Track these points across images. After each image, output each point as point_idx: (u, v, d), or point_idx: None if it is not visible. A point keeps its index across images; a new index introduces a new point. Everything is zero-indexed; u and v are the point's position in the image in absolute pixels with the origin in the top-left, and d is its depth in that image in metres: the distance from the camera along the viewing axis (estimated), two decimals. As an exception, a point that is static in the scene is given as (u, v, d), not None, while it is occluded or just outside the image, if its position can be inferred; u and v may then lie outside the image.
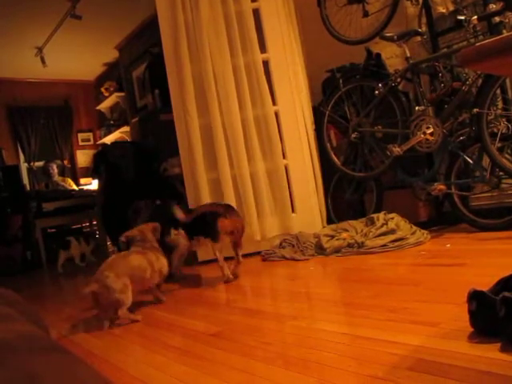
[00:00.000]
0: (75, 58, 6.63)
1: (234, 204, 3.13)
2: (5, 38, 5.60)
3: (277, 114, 3.24)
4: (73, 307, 2.47)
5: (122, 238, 2.24)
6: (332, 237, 2.84)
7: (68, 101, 7.74)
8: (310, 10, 3.56)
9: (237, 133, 3.16)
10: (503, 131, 2.48)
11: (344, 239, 2.74)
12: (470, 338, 1.12)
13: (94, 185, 6.38)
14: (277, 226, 3.19)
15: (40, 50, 6.06)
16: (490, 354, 1.02)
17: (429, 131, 2.67)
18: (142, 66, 5.74)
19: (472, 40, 2.66)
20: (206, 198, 3.13)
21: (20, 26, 5.34)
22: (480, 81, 2.50)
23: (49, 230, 5.48)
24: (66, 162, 7.51)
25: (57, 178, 6.48)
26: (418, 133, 2.70)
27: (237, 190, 3.16)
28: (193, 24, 3.18)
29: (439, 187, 2.69)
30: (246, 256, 3.10)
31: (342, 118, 3.24)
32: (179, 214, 2.58)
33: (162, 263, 2.17)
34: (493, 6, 2.40)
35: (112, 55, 6.78)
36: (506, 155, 2.48)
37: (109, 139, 6.87)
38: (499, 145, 2.45)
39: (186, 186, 3.23)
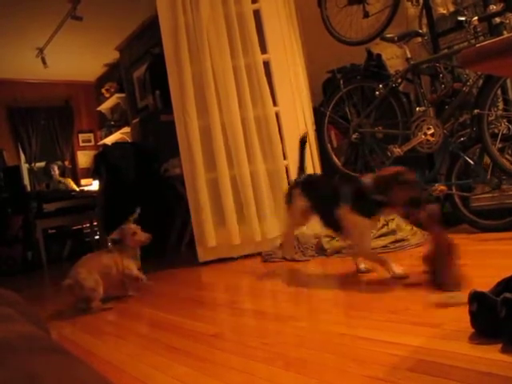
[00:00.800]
0: (76, 58, 6.64)
1: (232, 204, 3.13)
2: (6, 39, 5.61)
3: (277, 115, 3.24)
4: (73, 308, 2.46)
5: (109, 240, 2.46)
6: (332, 238, 2.84)
7: (69, 101, 7.74)
8: (311, 11, 3.56)
9: (237, 133, 3.16)
10: (504, 132, 2.48)
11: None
12: (471, 338, 1.12)
13: (94, 185, 6.38)
14: (277, 227, 3.18)
15: (41, 50, 6.06)
16: (490, 354, 1.02)
17: (429, 132, 2.67)
18: (143, 66, 5.75)
19: (472, 41, 2.66)
20: (205, 199, 3.13)
21: (21, 26, 5.34)
22: (481, 82, 2.50)
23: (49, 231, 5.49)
24: (66, 163, 7.51)
25: (58, 178, 6.50)
26: (419, 133, 2.70)
27: (237, 190, 3.16)
28: (193, 25, 3.19)
29: (440, 188, 2.68)
30: (246, 257, 3.11)
31: (342, 118, 3.23)
32: None
33: (126, 265, 2.34)
34: (493, 7, 2.40)
35: (113, 56, 6.79)
36: (507, 156, 2.48)
37: (109, 140, 6.88)
38: (500, 145, 2.45)
39: (187, 186, 3.23)
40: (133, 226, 2.40)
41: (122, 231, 2.38)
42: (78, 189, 6.60)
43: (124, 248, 2.37)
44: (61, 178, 6.59)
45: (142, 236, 2.39)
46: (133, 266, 2.37)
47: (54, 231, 5.59)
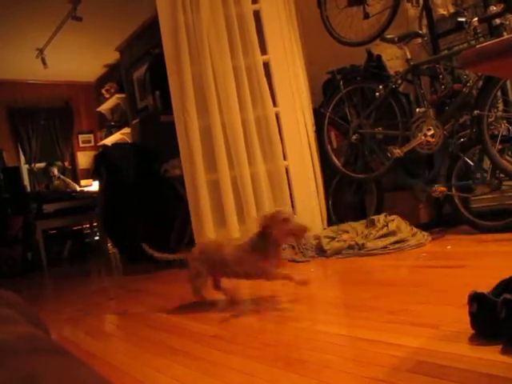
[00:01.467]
0: (76, 59, 6.64)
1: (233, 205, 3.13)
2: (6, 39, 5.61)
3: (277, 116, 3.25)
4: (73, 309, 2.46)
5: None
6: (332, 238, 2.84)
7: (69, 102, 7.74)
8: (311, 12, 3.57)
9: (237, 134, 3.16)
10: (504, 133, 2.48)
11: (344, 241, 2.74)
12: (471, 340, 1.12)
13: (94, 186, 6.39)
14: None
15: (41, 51, 6.07)
16: (490, 356, 1.01)
17: (429, 133, 2.67)
18: (143, 67, 5.75)
19: (472, 42, 2.66)
20: (205, 200, 3.13)
21: (21, 27, 5.35)
22: (480, 83, 2.50)
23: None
24: (66, 164, 7.52)
25: (57, 175, 6.55)
26: (419, 134, 2.70)
27: (237, 191, 3.16)
28: (193, 25, 3.19)
29: (440, 189, 2.69)
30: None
31: (342, 119, 3.23)
32: None
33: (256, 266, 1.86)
34: (493, 8, 2.40)
35: (113, 57, 6.79)
36: (507, 157, 2.48)
37: (109, 140, 6.88)
38: (500, 147, 2.45)
39: (187, 187, 3.23)
40: (285, 210, 1.75)
41: (271, 218, 1.72)
42: (78, 188, 6.61)
43: (264, 240, 1.77)
44: (59, 175, 6.61)
45: (296, 225, 1.68)
46: (270, 269, 1.83)
47: (54, 232, 5.60)
